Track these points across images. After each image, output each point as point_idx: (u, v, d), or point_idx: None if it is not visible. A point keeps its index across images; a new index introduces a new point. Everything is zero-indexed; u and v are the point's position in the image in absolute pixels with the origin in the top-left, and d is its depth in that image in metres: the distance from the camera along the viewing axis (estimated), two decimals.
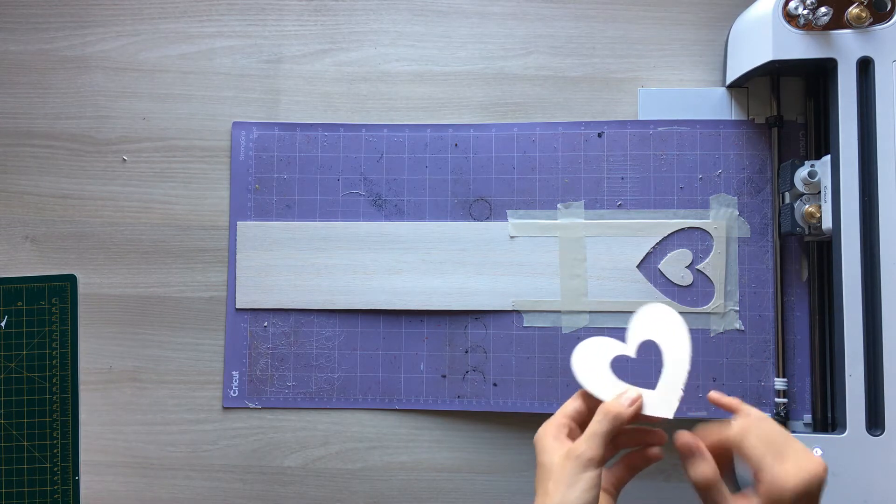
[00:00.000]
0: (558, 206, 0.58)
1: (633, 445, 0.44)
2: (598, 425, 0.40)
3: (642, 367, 0.44)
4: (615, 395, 0.42)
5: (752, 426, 0.41)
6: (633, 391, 0.42)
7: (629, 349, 0.44)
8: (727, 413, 0.56)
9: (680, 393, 0.42)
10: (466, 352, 0.58)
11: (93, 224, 0.60)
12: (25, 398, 0.59)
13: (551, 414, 0.59)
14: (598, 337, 0.44)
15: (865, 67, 0.52)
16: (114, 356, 0.60)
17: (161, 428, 0.59)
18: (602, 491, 0.41)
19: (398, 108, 0.60)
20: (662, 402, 0.42)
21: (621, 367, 0.43)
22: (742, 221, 0.57)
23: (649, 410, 0.42)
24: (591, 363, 0.43)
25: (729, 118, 0.58)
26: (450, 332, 0.58)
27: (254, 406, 0.59)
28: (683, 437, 0.41)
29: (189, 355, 0.59)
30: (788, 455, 0.39)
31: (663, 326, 0.44)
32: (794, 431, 0.54)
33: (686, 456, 0.40)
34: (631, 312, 0.58)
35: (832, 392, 0.54)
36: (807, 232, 0.54)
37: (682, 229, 0.57)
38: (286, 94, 0.60)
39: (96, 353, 0.60)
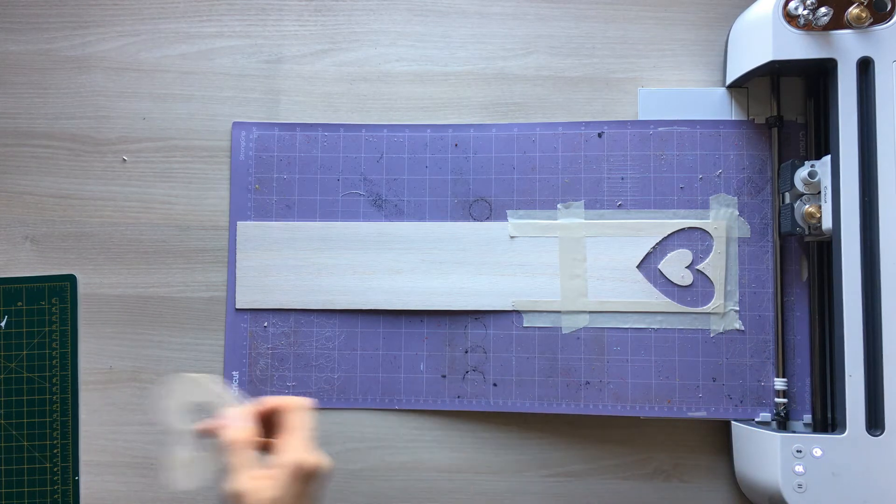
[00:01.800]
0: (558, 206, 0.58)
1: None
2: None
3: None
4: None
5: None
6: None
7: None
8: (727, 412, 0.56)
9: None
10: (466, 352, 0.58)
11: (93, 224, 0.60)
12: (25, 398, 0.59)
13: (551, 414, 0.59)
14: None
15: (865, 67, 0.52)
16: (114, 356, 0.60)
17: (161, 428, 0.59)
18: None
19: (398, 108, 0.60)
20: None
21: None
22: (742, 221, 0.57)
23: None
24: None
25: (729, 118, 0.58)
26: (450, 332, 0.58)
27: None
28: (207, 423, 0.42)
29: (189, 355, 0.59)
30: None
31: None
32: (794, 431, 0.54)
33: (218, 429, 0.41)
34: (631, 312, 0.58)
35: (832, 392, 0.54)
36: (807, 232, 0.54)
37: (682, 229, 0.57)
38: (286, 94, 0.60)
39: (96, 353, 0.60)
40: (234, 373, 0.59)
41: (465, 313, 0.58)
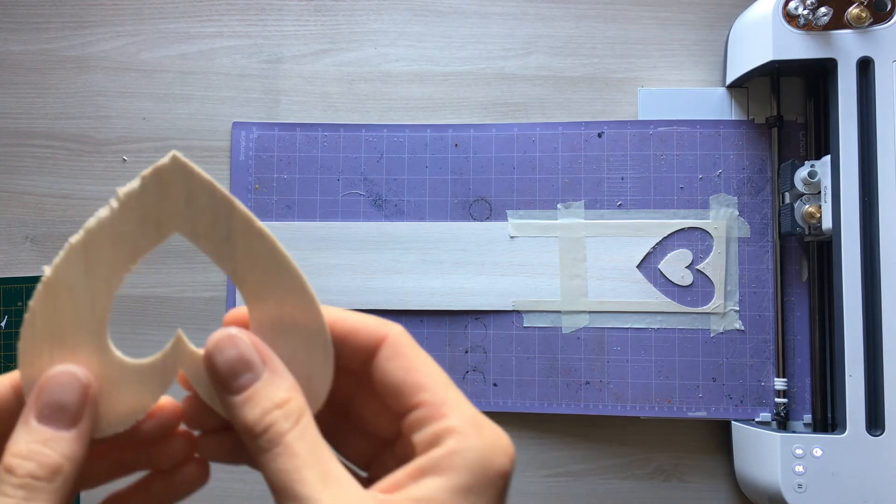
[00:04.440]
0: (558, 206, 0.58)
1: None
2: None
3: None
4: None
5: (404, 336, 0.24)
6: None
7: None
8: (727, 412, 0.56)
9: None
10: (466, 352, 0.58)
11: None
12: None
13: (551, 414, 0.59)
14: None
15: (865, 67, 0.52)
16: None
17: None
18: None
19: (398, 108, 0.60)
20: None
21: None
22: (742, 221, 0.57)
23: None
24: None
25: (729, 118, 0.58)
26: (450, 332, 0.58)
27: None
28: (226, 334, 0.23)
29: None
30: (477, 414, 0.23)
31: None
32: (794, 431, 0.54)
33: (228, 374, 0.23)
34: (631, 312, 0.58)
35: (832, 392, 0.54)
36: (807, 232, 0.54)
37: (682, 229, 0.57)
38: (286, 94, 0.60)
39: None
40: None
41: (465, 313, 0.58)
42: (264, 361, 0.23)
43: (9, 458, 0.21)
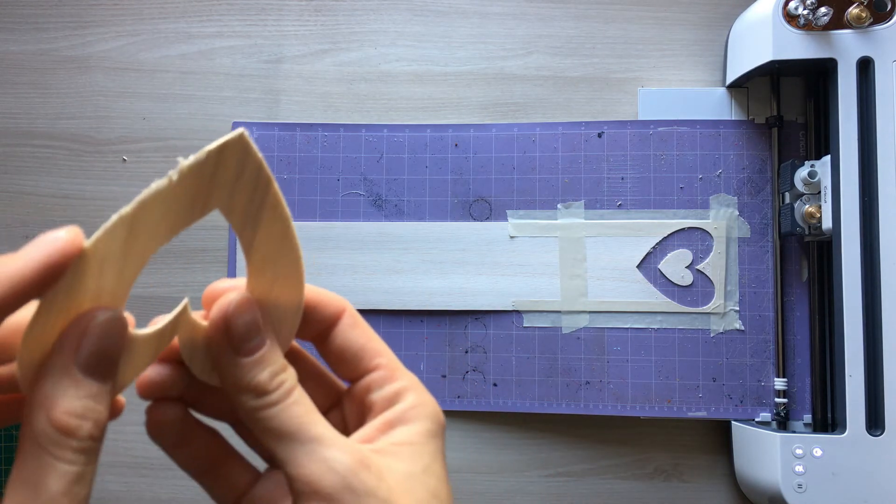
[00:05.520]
0: (558, 206, 0.58)
1: None
2: None
3: None
4: None
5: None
6: None
7: None
8: (727, 412, 0.56)
9: None
10: (466, 352, 0.58)
11: (93, 224, 0.60)
12: None
13: (551, 414, 0.59)
14: None
15: (865, 67, 0.52)
16: None
17: None
18: None
19: (398, 108, 0.60)
20: None
21: None
22: (742, 221, 0.57)
23: None
24: None
25: (729, 118, 0.58)
26: (450, 332, 0.58)
27: None
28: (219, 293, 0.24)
29: None
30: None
31: None
32: (794, 431, 0.54)
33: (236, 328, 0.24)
34: (631, 312, 0.58)
35: (832, 392, 0.54)
36: (807, 232, 0.54)
37: (682, 229, 0.57)
38: (286, 94, 0.60)
39: None
40: None
41: (465, 313, 0.58)
42: (265, 329, 0.24)
43: (64, 416, 0.18)
